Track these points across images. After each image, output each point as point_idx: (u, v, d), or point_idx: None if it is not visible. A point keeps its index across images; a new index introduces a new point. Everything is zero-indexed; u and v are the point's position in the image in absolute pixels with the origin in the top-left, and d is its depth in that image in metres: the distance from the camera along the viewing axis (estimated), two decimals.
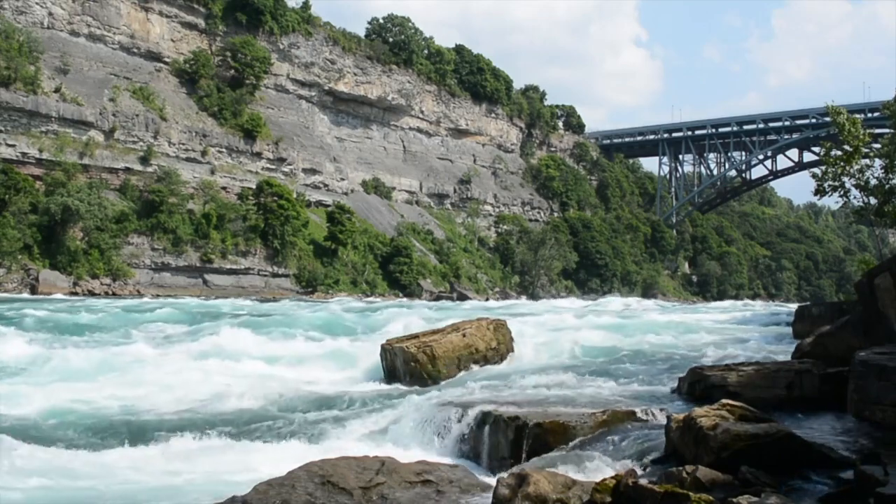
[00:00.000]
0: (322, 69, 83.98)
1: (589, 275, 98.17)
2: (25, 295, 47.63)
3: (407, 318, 26.87)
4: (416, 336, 16.55)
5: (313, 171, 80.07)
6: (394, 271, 75.26)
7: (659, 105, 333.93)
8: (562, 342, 20.14)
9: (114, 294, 53.10)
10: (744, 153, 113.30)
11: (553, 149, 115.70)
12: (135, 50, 68.78)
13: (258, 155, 73.22)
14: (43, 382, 14.24)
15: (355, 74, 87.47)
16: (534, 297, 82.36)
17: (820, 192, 27.15)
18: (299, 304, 45.16)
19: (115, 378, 14.91)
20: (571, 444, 9.11)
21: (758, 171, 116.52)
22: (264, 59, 75.35)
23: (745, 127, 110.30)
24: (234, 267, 64.32)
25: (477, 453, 9.70)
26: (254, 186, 69.18)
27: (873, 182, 26.14)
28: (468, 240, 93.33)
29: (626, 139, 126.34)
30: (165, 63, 71.02)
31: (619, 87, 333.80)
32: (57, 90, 58.70)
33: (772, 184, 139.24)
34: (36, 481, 8.57)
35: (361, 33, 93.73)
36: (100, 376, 15.01)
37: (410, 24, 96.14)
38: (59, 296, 47.04)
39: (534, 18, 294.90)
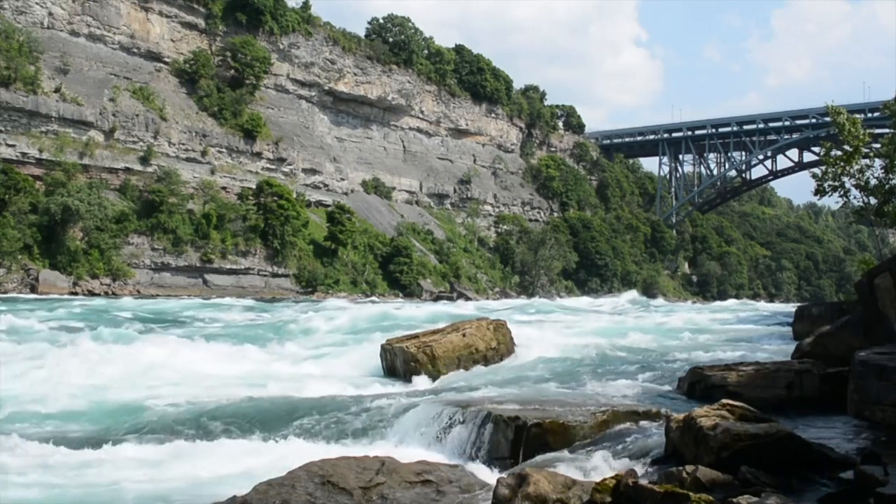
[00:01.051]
0: (322, 69, 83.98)
1: (589, 275, 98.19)
2: (26, 295, 47.62)
3: None
4: (416, 336, 16.58)
5: (313, 171, 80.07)
6: (394, 271, 75.27)
7: (659, 105, 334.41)
8: (561, 342, 20.15)
9: (114, 294, 53.11)
10: (744, 153, 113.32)
11: (553, 149, 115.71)
12: (135, 50, 68.76)
13: (258, 155, 73.22)
14: None
15: (355, 74, 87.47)
16: (533, 297, 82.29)
17: (820, 192, 27.16)
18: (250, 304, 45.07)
19: None
20: (571, 444, 9.11)
21: (758, 171, 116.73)
22: (264, 59, 75.34)
23: (745, 127, 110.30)
24: (234, 267, 64.32)
25: (477, 453, 9.69)
26: (254, 186, 69.18)
27: (873, 182, 26.15)
28: (468, 240, 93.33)
29: (626, 139, 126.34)
30: (165, 63, 71.01)
31: (619, 87, 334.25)
32: (57, 90, 58.69)
33: (772, 184, 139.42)
34: None
35: (361, 33, 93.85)
36: None
37: (410, 24, 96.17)
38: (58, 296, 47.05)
39: (534, 18, 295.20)
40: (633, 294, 72.62)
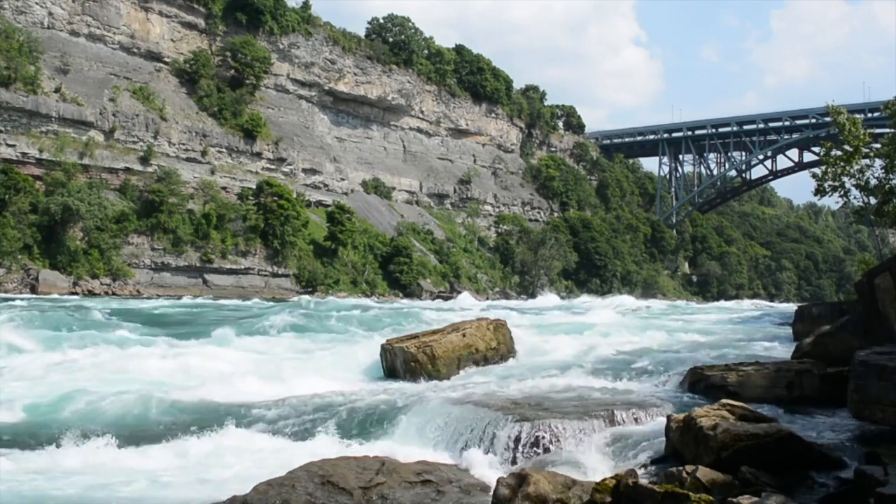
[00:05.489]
0: (322, 69, 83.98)
1: (589, 275, 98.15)
2: (26, 294, 47.58)
3: None
4: (416, 336, 16.56)
5: (313, 171, 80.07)
6: (394, 271, 75.26)
7: (659, 105, 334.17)
8: (561, 342, 20.15)
9: (114, 294, 53.11)
10: (744, 153, 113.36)
11: (553, 149, 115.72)
12: (135, 50, 68.76)
13: (258, 155, 73.22)
14: None
15: (355, 74, 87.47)
16: (533, 297, 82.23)
17: (820, 192, 27.15)
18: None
19: None
20: (571, 443, 9.11)
21: (758, 171, 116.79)
22: (264, 59, 75.35)
23: (745, 127, 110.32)
24: (234, 267, 64.30)
25: (477, 453, 9.70)
26: (254, 186, 69.15)
27: (873, 182, 26.13)
28: (468, 240, 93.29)
29: (626, 139, 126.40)
30: (165, 63, 71.00)
31: (618, 87, 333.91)
32: (57, 90, 58.68)
33: (772, 184, 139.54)
34: None
35: (361, 33, 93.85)
36: None
37: (410, 24, 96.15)
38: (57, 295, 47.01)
39: (532, 19, 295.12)
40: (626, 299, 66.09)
